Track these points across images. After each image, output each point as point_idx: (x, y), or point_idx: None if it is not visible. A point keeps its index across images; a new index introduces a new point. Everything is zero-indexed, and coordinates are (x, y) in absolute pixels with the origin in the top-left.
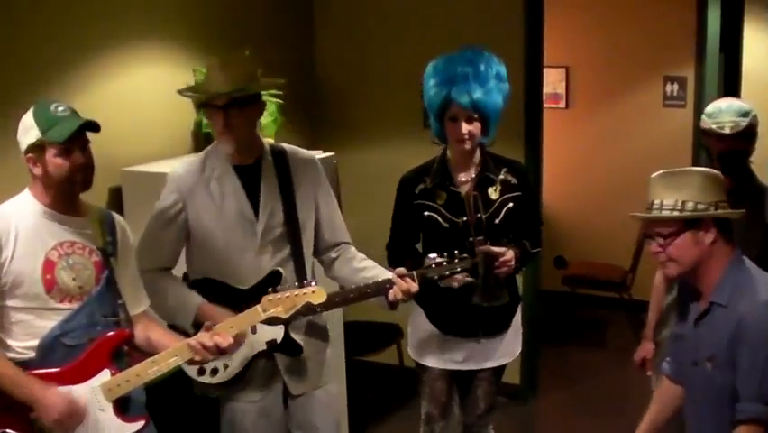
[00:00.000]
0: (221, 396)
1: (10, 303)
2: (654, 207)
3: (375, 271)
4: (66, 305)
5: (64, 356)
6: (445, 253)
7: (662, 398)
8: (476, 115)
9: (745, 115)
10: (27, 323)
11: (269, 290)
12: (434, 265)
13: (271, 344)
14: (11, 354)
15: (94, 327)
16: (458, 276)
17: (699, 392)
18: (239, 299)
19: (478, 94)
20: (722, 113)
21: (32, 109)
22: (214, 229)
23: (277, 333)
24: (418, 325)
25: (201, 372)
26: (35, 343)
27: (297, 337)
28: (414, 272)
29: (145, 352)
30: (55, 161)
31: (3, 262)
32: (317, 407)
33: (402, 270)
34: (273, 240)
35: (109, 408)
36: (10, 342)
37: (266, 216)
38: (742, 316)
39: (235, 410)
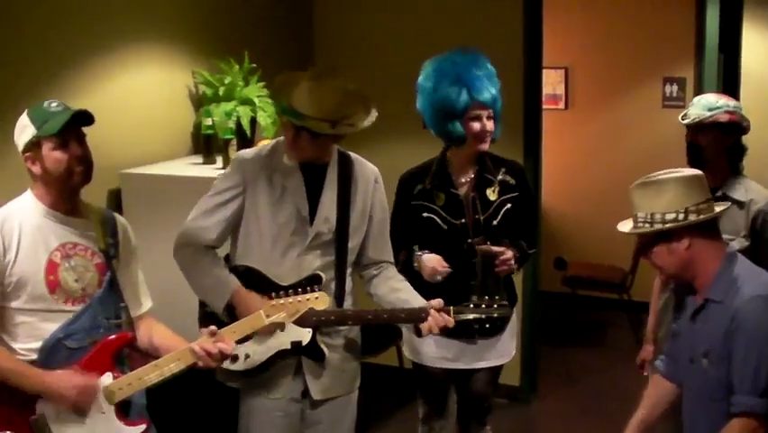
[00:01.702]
0: (242, 388)
1: (14, 305)
2: (634, 218)
3: (410, 294)
4: (69, 306)
5: (66, 359)
6: (486, 297)
7: (653, 396)
8: (492, 112)
9: (712, 109)
10: (30, 325)
11: (272, 294)
12: (471, 305)
13: (296, 344)
14: None
15: (96, 330)
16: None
17: (696, 388)
18: (276, 294)
19: (494, 90)
20: (693, 105)
21: (26, 110)
22: (267, 220)
23: (304, 335)
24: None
25: None
26: (38, 345)
27: (323, 344)
28: (451, 308)
29: (148, 354)
30: (53, 155)
31: (7, 263)
32: (336, 414)
33: (440, 302)
34: (321, 244)
35: (111, 411)
36: (13, 344)
37: (321, 220)
38: (736, 310)
39: (255, 405)
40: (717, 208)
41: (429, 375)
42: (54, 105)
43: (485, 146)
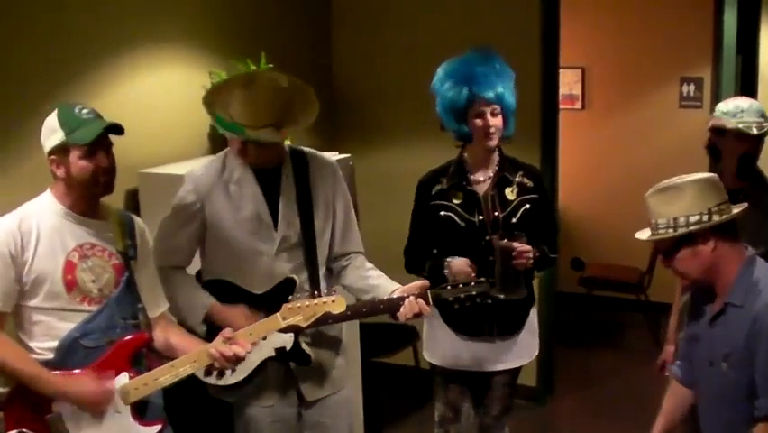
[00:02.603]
0: (235, 401)
1: (31, 303)
2: (652, 225)
3: (380, 279)
4: (86, 306)
5: (83, 358)
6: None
7: (672, 404)
8: (499, 109)
9: (763, 115)
10: (47, 324)
11: (290, 297)
12: (449, 287)
13: (280, 351)
14: (31, 355)
15: (113, 330)
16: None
17: (714, 392)
18: (251, 303)
19: (500, 88)
20: (745, 112)
21: (55, 111)
22: (230, 231)
23: (286, 340)
24: (433, 326)
25: (207, 373)
26: (54, 344)
27: (306, 346)
28: (428, 292)
29: (164, 355)
30: (79, 164)
31: (25, 261)
32: (332, 412)
33: (416, 286)
34: (289, 246)
35: (126, 411)
36: (30, 343)
37: (284, 223)
38: (757, 314)
39: (250, 416)
40: (735, 209)
41: (446, 377)
42: (85, 111)
43: (492, 143)
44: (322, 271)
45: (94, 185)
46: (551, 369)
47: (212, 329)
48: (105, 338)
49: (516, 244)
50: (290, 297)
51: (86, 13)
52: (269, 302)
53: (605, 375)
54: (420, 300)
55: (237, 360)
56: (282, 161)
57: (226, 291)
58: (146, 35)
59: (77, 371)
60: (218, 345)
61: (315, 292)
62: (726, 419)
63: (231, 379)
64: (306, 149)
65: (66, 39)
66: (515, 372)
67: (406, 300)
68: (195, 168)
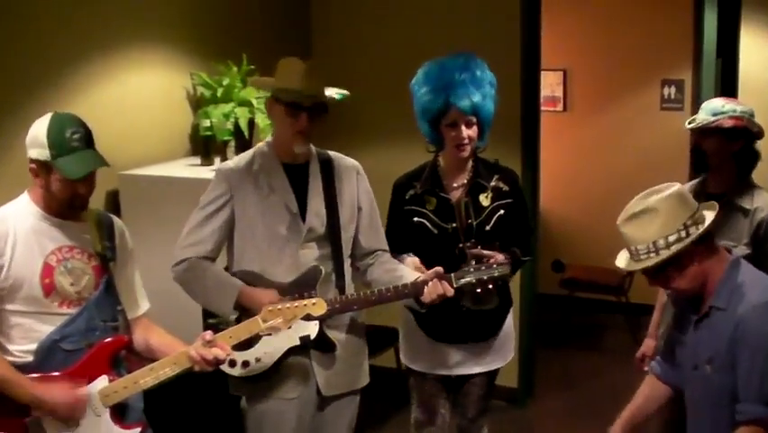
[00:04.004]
0: (250, 395)
1: (9, 307)
2: (632, 252)
3: (404, 271)
4: (64, 309)
5: (62, 361)
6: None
7: (645, 395)
8: (474, 120)
9: (717, 114)
10: (26, 327)
11: (315, 287)
12: (471, 269)
13: (305, 339)
14: (9, 358)
15: (92, 332)
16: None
17: (699, 395)
18: (278, 293)
19: (477, 98)
20: (701, 110)
21: (46, 123)
22: (259, 221)
23: (311, 329)
24: (409, 330)
25: (232, 364)
26: (33, 347)
27: (332, 335)
28: (452, 275)
29: (145, 357)
30: (58, 186)
31: (2, 265)
32: (340, 412)
33: (440, 270)
34: (315, 238)
35: (106, 414)
36: (8, 346)
37: (312, 214)
38: (741, 318)
39: (267, 409)
40: (706, 213)
41: (423, 381)
42: (76, 137)
43: (464, 154)
44: (347, 264)
45: (69, 205)
46: (531, 370)
47: (241, 318)
48: (84, 341)
49: (489, 254)
50: (316, 286)
51: (67, 14)
52: (296, 291)
53: (585, 377)
54: (444, 282)
55: (217, 363)
56: (309, 158)
57: (254, 282)
58: (127, 36)
59: (55, 373)
60: (198, 348)
61: (313, 292)
62: (711, 422)
63: (255, 369)
64: (331, 152)
65: (48, 39)
66: (491, 374)
67: (430, 282)
68: (225, 163)
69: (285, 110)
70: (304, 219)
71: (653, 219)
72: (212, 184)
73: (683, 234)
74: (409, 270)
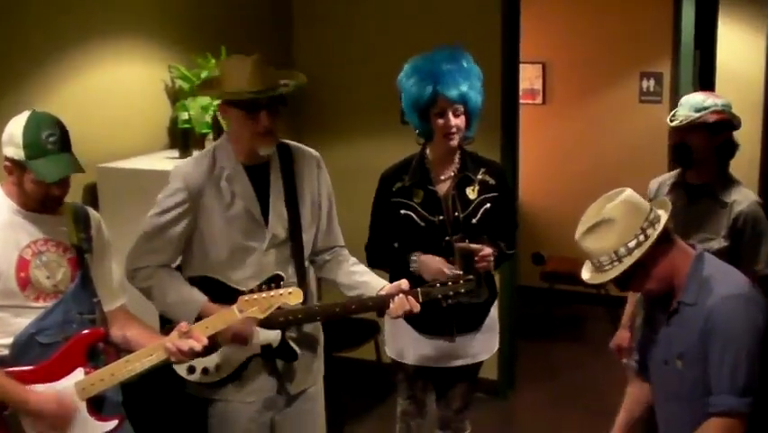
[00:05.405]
0: (212, 397)
1: None
2: (595, 264)
3: (368, 276)
4: (40, 303)
5: (39, 355)
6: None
7: (634, 396)
8: (462, 109)
9: (700, 109)
10: (2, 321)
11: (244, 290)
12: (438, 285)
13: (266, 348)
14: None
15: (69, 325)
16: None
17: (670, 390)
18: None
19: (464, 87)
20: (681, 106)
21: (23, 122)
22: (221, 229)
23: (273, 337)
24: (394, 323)
25: (191, 370)
26: (9, 341)
27: (293, 343)
28: (418, 290)
29: (122, 349)
30: (32, 186)
31: None
32: (308, 405)
33: (404, 284)
34: (277, 243)
35: (83, 406)
36: None
37: (274, 219)
38: (710, 311)
39: (227, 411)
40: (660, 211)
41: (408, 373)
42: (52, 139)
43: (452, 143)
44: (307, 263)
45: (42, 205)
46: (512, 363)
47: None
48: (61, 334)
49: (477, 247)
50: None
51: (43, 5)
52: None
53: (566, 368)
54: (410, 298)
55: (193, 354)
56: (270, 153)
57: (212, 289)
58: (105, 29)
59: (30, 368)
60: (174, 339)
61: (273, 285)
62: (683, 416)
63: (215, 376)
64: (290, 142)
65: (23, 31)
66: (475, 366)
67: (396, 298)
68: (181, 164)
69: (242, 113)
70: (267, 225)
71: (610, 229)
72: (170, 187)
73: (642, 237)
74: (372, 276)
